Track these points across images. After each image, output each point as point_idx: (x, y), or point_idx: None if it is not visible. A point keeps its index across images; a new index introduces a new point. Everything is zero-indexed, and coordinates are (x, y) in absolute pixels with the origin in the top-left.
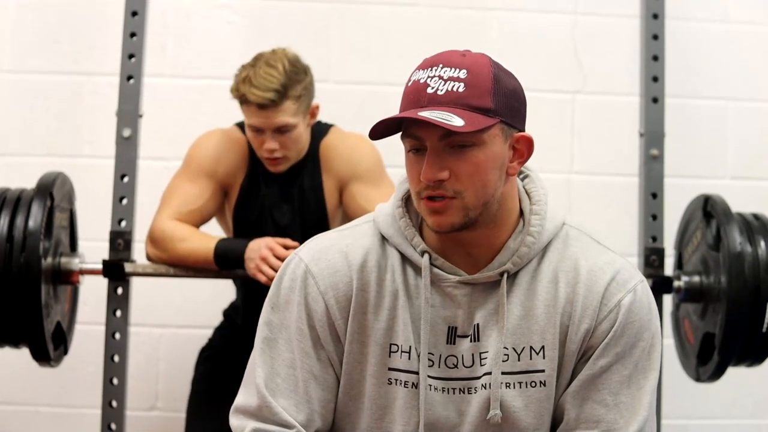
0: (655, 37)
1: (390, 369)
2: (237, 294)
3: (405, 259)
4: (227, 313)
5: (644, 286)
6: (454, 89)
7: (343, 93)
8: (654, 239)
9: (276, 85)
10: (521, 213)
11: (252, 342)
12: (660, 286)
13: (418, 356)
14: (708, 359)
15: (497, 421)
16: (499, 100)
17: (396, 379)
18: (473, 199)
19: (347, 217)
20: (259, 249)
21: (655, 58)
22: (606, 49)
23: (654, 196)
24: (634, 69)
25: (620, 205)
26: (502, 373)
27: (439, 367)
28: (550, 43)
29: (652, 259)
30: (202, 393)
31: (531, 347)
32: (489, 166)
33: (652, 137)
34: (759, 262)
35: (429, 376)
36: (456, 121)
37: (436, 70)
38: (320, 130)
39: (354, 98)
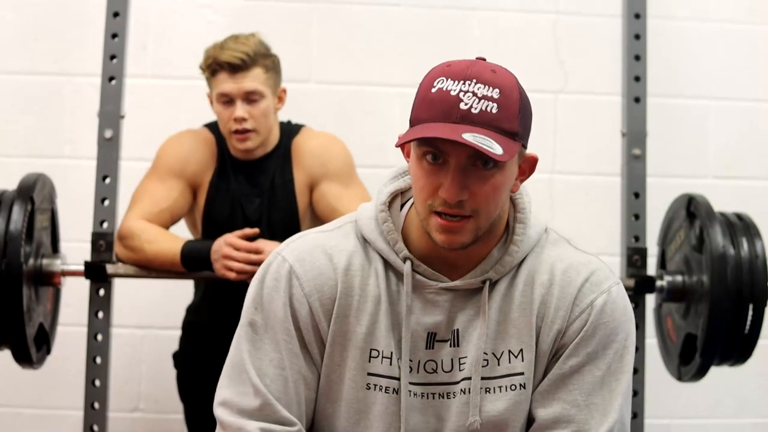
0: (637, 37)
1: (369, 374)
2: (196, 294)
3: (387, 264)
4: (188, 320)
5: (619, 289)
6: (488, 110)
7: (323, 93)
8: (636, 239)
9: (247, 49)
10: (507, 222)
11: (224, 338)
12: (642, 285)
13: (398, 360)
14: (690, 360)
15: (476, 428)
16: (523, 124)
17: (375, 384)
18: (485, 219)
19: (316, 216)
20: (220, 248)
21: (637, 57)
22: (587, 49)
23: (636, 195)
24: (615, 68)
25: (602, 204)
26: (482, 378)
27: (418, 372)
28: (532, 42)
29: (634, 258)
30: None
31: (510, 351)
32: (505, 188)
33: (634, 137)
34: (741, 263)
35: (409, 383)
36: (496, 148)
37: (469, 85)
38: (291, 129)
39: (334, 98)
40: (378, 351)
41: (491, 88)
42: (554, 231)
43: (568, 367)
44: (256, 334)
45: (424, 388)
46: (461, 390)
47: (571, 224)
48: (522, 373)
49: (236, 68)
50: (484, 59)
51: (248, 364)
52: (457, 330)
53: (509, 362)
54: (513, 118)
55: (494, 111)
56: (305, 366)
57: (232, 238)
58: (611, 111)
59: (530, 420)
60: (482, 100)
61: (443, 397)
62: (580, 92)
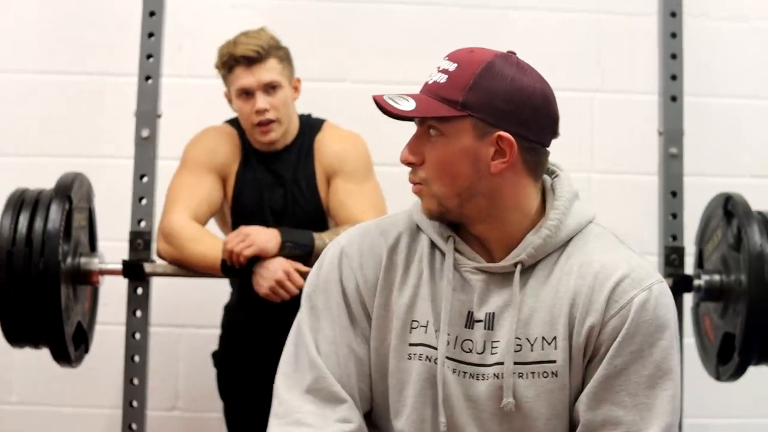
0: (673, 35)
1: (410, 344)
2: (233, 293)
3: (434, 245)
4: (227, 319)
5: (662, 287)
6: (439, 80)
7: (359, 92)
8: (674, 238)
9: (261, 42)
10: (545, 209)
11: (260, 336)
12: (680, 284)
13: (435, 331)
14: (728, 359)
15: (510, 409)
16: (475, 96)
17: (414, 354)
18: (441, 189)
19: (329, 212)
20: (275, 271)
21: (674, 56)
22: (624, 48)
23: (674, 194)
24: (651, 67)
25: (639, 204)
26: (515, 363)
27: (454, 348)
28: (568, 41)
29: (672, 258)
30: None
31: (543, 338)
32: (454, 159)
33: (671, 136)
34: None
35: (446, 356)
36: (405, 105)
37: (441, 61)
38: (313, 124)
39: (370, 96)
40: (417, 321)
41: (452, 63)
42: (601, 225)
43: (613, 367)
44: (313, 313)
45: (457, 365)
46: (494, 374)
47: (609, 223)
48: (554, 361)
49: (252, 61)
50: (514, 53)
51: (305, 341)
52: (492, 314)
53: (542, 349)
54: (458, 88)
55: (442, 81)
56: (355, 340)
57: (290, 267)
58: (648, 110)
59: (575, 423)
60: (439, 73)
61: (474, 378)
62: (616, 91)
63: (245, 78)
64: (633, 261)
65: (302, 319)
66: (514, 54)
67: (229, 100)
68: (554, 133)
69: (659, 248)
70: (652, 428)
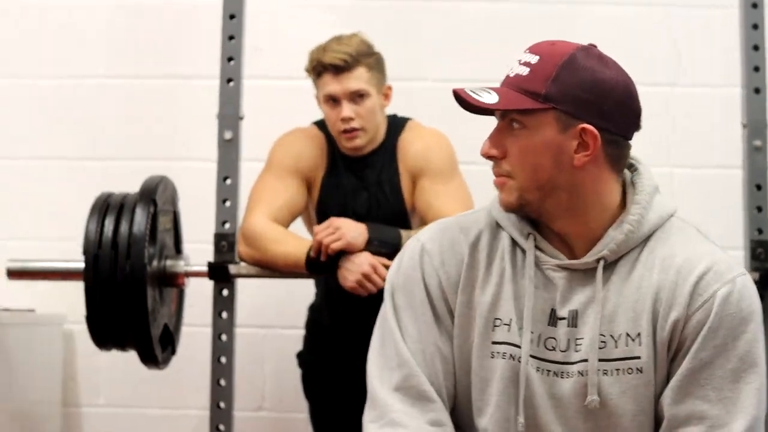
0: (755, 27)
1: (493, 342)
2: (317, 294)
3: (515, 243)
4: (311, 319)
5: (746, 280)
6: (521, 73)
7: (438, 90)
8: (760, 231)
9: (350, 50)
10: (626, 204)
11: (345, 336)
12: (767, 278)
13: (518, 330)
14: None
15: (595, 407)
16: (559, 88)
17: (497, 352)
18: (524, 182)
19: (415, 212)
20: (361, 264)
21: (756, 47)
22: (701, 41)
23: (759, 187)
24: (730, 60)
25: (723, 197)
26: (599, 360)
27: (537, 346)
28: (645, 36)
29: (758, 251)
30: (321, 404)
31: (627, 334)
32: (537, 151)
33: (755, 128)
34: None
35: (529, 355)
36: (488, 98)
37: (522, 54)
38: (397, 124)
39: (449, 95)
40: (500, 320)
41: (534, 55)
42: (682, 219)
43: (697, 361)
44: (396, 311)
45: (540, 363)
46: (578, 372)
47: (692, 217)
48: (639, 357)
49: (340, 69)
50: (595, 46)
51: (394, 337)
52: (576, 311)
53: (627, 345)
54: (541, 80)
55: (524, 74)
56: (440, 338)
57: (376, 261)
58: (727, 103)
59: (660, 418)
60: (521, 66)
61: (558, 376)
62: (695, 85)
63: (332, 85)
64: (716, 254)
65: (386, 315)
66: (595, 46)
67: (318, 103)
68: (637, 126)
69: (745, 242)
70: (738, 422)
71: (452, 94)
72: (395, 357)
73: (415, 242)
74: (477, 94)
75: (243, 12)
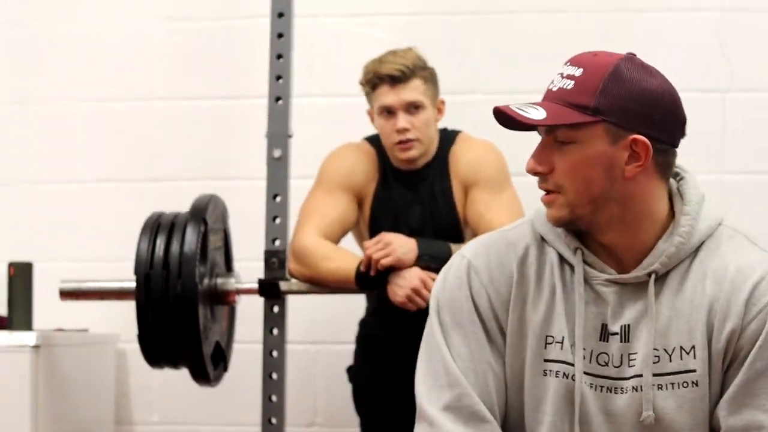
0: None
1: (546, 360)
2: (368, 308)
3: (562, 258)
4: (362, 334)
5: None
6: (565, 86)
7: (490, 103)
8: None
9: (406, 62)
10: (674, 215)
11: (396, 350)
12: None
13: (571, 347)
14: None
15: (651, 422)
16: (607, 100)
17: (551, 370)
18: (575, 196)
19: (467, 224)
20: (411, 279)
21: None
22: (753, 46)
23: None
24: None
25: None
26: (654, 375)
27: (590, 362)
28: (696, 42)
29: None
30: (372, 418)
31: (681, 347)
32: (588, 165)
33: None
34: None
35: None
36: (535, 114)
37: (564, 67)
38: (448, 136)
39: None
40: (552, 337)
41: (577, 68)
42: (731, 227)
43: (753, 371)
44: (444, 330)
45: (593, 379)
46: (632, 387)
47: (744, 224)
48: (694, 371)
49: (396, 80)
50: (634, 55)
51: (443, 355)
52: (628, 326)
53: (681, 359)
54: (588, 92)
55: (569, 87)
56: (492, 356)
57: (425, 276)
58: None
59: (716, 430)
60: (564, 79)
61: (611, 392)
62: (747, 90)
63: (388, 96)
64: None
65: (432, 333)
66: (635, 55)
67: (372, 118)
68: (682, 134)
69: None
70: None
71: (493, 112)
72: (445, 376)
73: (459, 258)
74: (524, 111)
75: (291, 32)
